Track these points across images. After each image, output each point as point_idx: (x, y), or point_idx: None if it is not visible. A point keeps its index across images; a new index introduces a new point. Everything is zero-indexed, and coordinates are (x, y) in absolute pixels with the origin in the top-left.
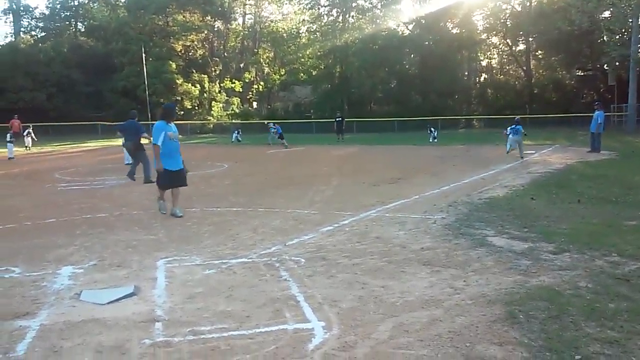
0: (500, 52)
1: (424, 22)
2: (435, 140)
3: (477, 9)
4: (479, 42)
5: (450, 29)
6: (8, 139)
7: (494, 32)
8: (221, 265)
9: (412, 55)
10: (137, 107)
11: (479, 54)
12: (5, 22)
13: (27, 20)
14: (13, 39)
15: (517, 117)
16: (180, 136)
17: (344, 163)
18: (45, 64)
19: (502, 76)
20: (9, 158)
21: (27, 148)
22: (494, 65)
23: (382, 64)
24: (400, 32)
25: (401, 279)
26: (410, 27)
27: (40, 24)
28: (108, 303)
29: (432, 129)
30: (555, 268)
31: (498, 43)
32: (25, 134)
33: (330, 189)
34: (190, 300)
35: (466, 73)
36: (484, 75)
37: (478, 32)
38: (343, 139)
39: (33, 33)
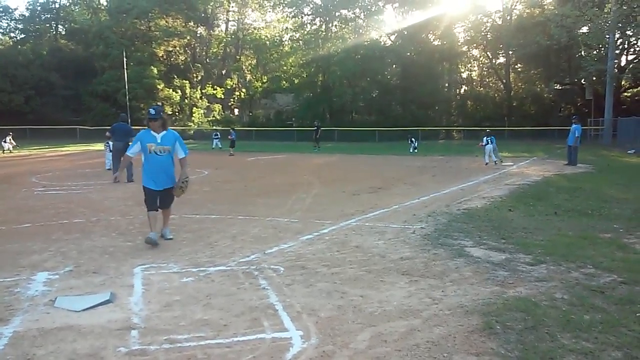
0: (481, 65)
1: (406, 33)
2: (416, 150)
3: (458, 22)
4: (459, 54)
5: (431, 40)
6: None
7: (475, 45)
8: (199, 273)
9: (394, 66)
10: (116, 111)
11: (460, 66)
12: None
13: (7, 21)
14: None
15: (488, 129)
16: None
17: (325, 172)
18: (23, 66)
19: (482, 88)
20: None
21: (8, 151)
22: (474, 78)
23: (364, 73)
24: (383, 43)
25: (380, 288)
26: (393, 37)
27: (20, 26)
28: (83, 310)
29: (413, 139)
30: (532, 279)
31: (478, 55)
32: (5, 140)
33: (310, 197)
34: (167, 308)
35: (447, 84)
36: (464, 87)
37: (459, 44)
38: (319, 147)
39: (12, 35)
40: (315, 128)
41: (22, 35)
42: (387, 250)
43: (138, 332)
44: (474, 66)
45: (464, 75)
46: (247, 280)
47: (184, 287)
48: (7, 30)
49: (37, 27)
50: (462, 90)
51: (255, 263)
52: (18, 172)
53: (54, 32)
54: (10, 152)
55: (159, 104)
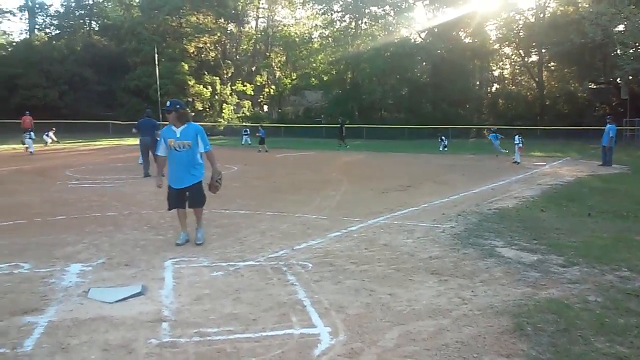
0: (513, 63)
1: (436, 30)
2: (446, 149)
3: (490, 19)
4: (491, 52)
5: (462, 38)
6: (28, 136)
7: (507, 43)
8: (229, 268)
9: (424, 64)
10: (148, 107)
11: (491, 64)
12: (21, 19)
13: (42, 17)
14: (28, 36)
15: (494, 127)
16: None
17: (353, 169)
18: (58, 61)
19: (513, 87)
20: (30, 153)
21: (45, 144)
22: (506, 76)
23: (393, 71)
24: (413, 40)
25: (409, 287)
26: (423, 35)
27: (55, 22)
28: (115, 302)
29: (443, 137)
30: (565, 281)
31: (511, 53)
32: (48, 134)
33: (338, 194)
34: (197, 302)
35: (478, 83)
36: (495, 85)
37: (491, 42)
38: (345, 144)
39: (47, 30)
40: (339, 125)
41: (57, 31)
42: (416, 249)
43: (169, 324)
44: (506, 64)
45: (496, 73)
46: (275, 275)
47: (214, 281)
48: (43, 26)
49: (71, 23)
50: (494, 89)
51: (283, 259)
52: (53, 165)
53: (88, 28)
54: (47, 145)
55: (189, 99)
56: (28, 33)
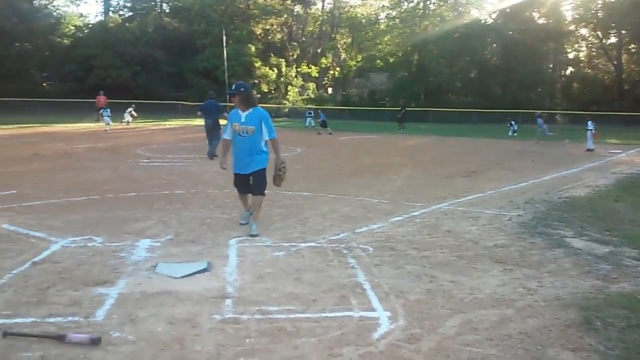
0: (589, 45)
1: (508, 11)
2: (515, 134)
3: None
4: (566, 34)
5: (536, 18)
6: (106, 113)
7: (584, 24)
8: (290, 248)
9: (495, 45)
10: (216, 88)
11: (566, 46)
12: (96, 1)
13: (116, 0)
14: (103, 19)
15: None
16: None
17: (417, 153)
18: (131, 43)
19: (589, 70)
20: (106, 130)
21: (127, 122)
22: (582, 59)
23: (462, 53)
24: (483, 21)
25: (471, 275)
26: (494, 16)
27: (128, 4)
28: (182, 277)
29: (513, 122)
30: (638, 275)
31: (587, 35)
32: (127, 111)
33: (401, 179)
34: (259, 280)
35: (551, 65)
36: (570, 69)
37: (566, 22)
38: (404, 128)
39: (121, 13)
40: (400, 108)
41: (130, 13)
42: (480, 237)
43: (232, 301)
44: (582, 46)
45: (571, 55)
46: (336, 257)
47: (276, 261)
48: (117, 8)
49: (143, 5)
50: (568, 72)
51: (344, 241)
52: (125, 143)
53: (159, 10)
54: (129, 124)
55: (255, 81)
56: (103, 15)
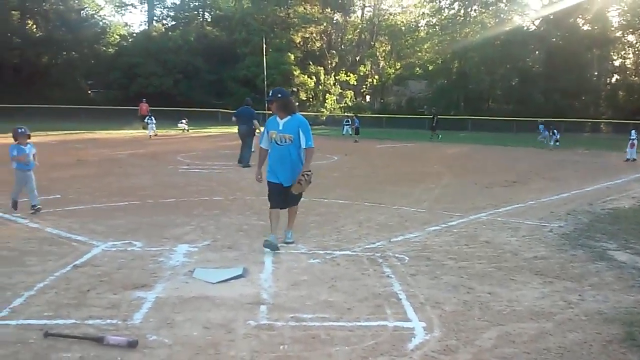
0: (637, 52)
1: (552, 17)
2: (557, 143)
3: (612, 5)
4: (612, 40)
5: (580, 25)
6: (150, 121)
7: (631, 30)
8: (325, 256)
9: (537, 52)
10: (255, 96)
11: (612, 53)
12: (141, 11)
13: (160, 9)
14: (146, 27)
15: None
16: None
17: (456, 162)
18: (173, 51)
19: (636, 78)
20: (149, 136)
21: (186, 130)
22: (628, 66)
23: (503, 60)
24: (526, 28)
25: (510, 287)
26: (537, 22)
27: (171, 14)
28: (218, 282)
29: (555, 131)
30: None
31: (635, 42)
32: (182, 121)
33: (439, 187)
34: (294, 287)
35: (595, 73)
36: (615, 76)
37: (612, 29)
38: (438, 135)
39: (164, 22)
40: (432, 116)
41: (173, 23)
42: (520, 248)
43: (267, 307)
44: (629, 53)
45: (616, 63)
46: (371, 266)
47: (311, 268)
48: (160, 17)
49: (186, 14)
50: (614, 80)
51: (380, 250)
52: (165, 150)
53: (201, 19)
54: (187, 131)
55: (294, 89)
56: (147, 24)
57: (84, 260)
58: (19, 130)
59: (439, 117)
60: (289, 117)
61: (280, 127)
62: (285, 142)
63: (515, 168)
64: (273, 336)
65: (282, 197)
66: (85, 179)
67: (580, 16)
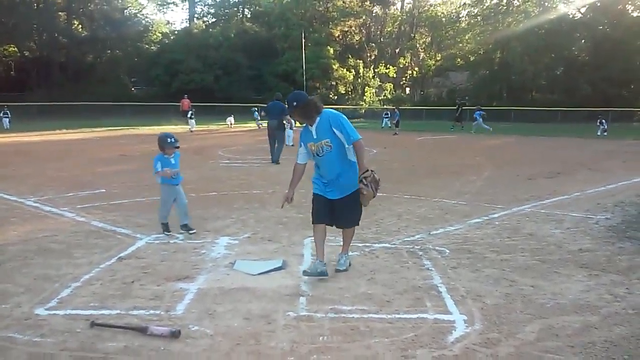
0: None
1: (599, 4)
2: (605, 133)
3: None
4: None
5: (629, 12)
6: (189, 115)
7: None
8: (364, 249)
9: (583, 41)
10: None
11: None
12: (182, 9)
13: (200, 7)
14: (187, 25)
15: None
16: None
17: (498, 153)
18: (214, 48)
19: None
20: (191, 131)
21: (231, 126)
22: None
23: (547, 49)
24: (571, 16)
25: (554, 280)
26: (583, 10)
27: (212, 11)
28: (258, 274)
29: (603, 120)
30: None
31: None
32: (229, 117)
33: (480, 179)
34: (333, 279)
35: None
36: None
37: None
38: (462, 126)
39: (205, 19)
40: (457, 106)
41: (213, 19)
42: (564, 240)
43: (306, 299)
44: None
45: None
46: (411, 259)
47: (350, 261)
48: (201, 15)
49: (226, 11)
50: None
51: (419, 243)
52: (207, 145)
53: (241, 16)
54: (231, 126)
55: (333, 83)
56: (188, 22)
57: (128, 253)
58: (168, 141)
59: (464, 108)
60: (318, 119)
61: (315, 136)
62: (326, 150)
63: (560, 159)
64: (312, 327)
65: (331, 211)
66: (129, 174)
67: (629, 3)
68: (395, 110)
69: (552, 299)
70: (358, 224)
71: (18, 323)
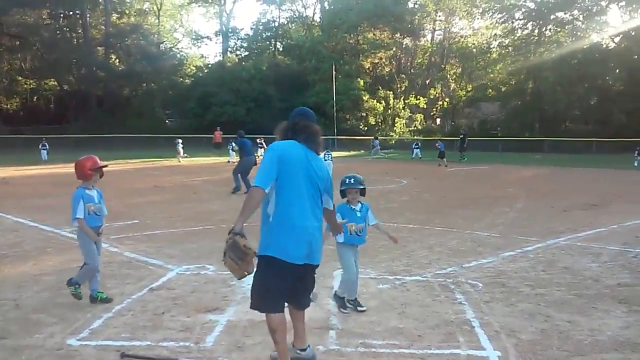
0: None
1: (633, 34)
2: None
3: None
4: None
5: None
6: (231, 147)
7: None
8: (395, 282)
9: (617, 70)
10: (325, 122)
11: None
12: (216, 42)
13: (234, 40)
14: (221, 58)
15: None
16: (359, 151)
17: (532, 184)
18: (246, 81)
19: None
20: (228, 162)
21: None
22: None
23: (581, 79)
24: (605, 45)
25: (591, 315)
26: (617, 39)
27: (245, 44)
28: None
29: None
30: None
31: None
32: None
33: (514, 211)
34: (363, 313)
35: None
36: None
37: None
38: (464, 157)
39: (238, 52)
40: (461, 137)
41: (246, 53)
42: (601, 274)
43: (335, 333)
44: None
45: None
46: (443, 292)
47: (380, 294)
48: (234, 48)
49: (258, 45)
50: None
51: (452, 276)
52: None
53: (273, 49)
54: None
55: (363, 114)
56: (221, 55)
57: (159, 284)
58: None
59: (468, 138)
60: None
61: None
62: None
63: (596, 190)
64: None
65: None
66: (162, 205)
67: None
68: (438, 142)
69: (590, 335)
70: None
71: (50, 354)
